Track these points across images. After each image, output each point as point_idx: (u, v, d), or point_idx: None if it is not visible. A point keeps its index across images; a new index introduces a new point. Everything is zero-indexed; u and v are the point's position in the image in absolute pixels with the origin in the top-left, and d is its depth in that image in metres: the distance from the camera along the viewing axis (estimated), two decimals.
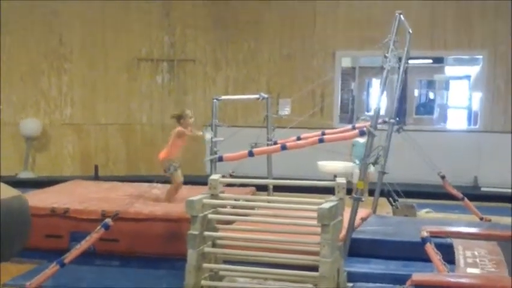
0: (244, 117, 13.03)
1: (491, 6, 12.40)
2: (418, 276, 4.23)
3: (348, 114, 15.42)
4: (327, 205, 5.26)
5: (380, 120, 7.53)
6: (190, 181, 10.76)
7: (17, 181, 12.15)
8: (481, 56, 12.79)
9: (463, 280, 4.23)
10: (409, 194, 9.77)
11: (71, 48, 13.22)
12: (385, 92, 11.88)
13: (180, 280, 5.53)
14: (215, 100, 7.22)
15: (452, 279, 4.25)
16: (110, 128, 13.48)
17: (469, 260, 4.97)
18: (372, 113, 8.92)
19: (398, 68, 7.39)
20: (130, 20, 13.39)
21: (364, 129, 6.45)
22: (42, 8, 13.04)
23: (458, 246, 5.37)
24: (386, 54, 6.43)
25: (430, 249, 5.28)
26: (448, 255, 5.21)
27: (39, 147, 13.25)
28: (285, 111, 12.49)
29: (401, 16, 6.74)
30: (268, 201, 6.63)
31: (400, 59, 7.24)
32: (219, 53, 13.62)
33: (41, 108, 13.22)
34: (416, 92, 17.69)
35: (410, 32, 7.50)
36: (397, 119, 7.92)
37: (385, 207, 8.95)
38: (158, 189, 8.07)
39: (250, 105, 12.62)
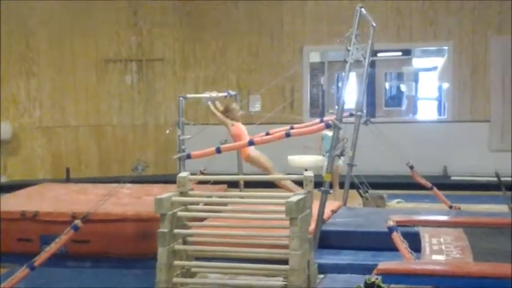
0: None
1: None
2: (383, 265, 4.31)
3: (319, 108, 15.49)
4: (294, 198, 5.32)
5: (347, 113, 7.63)
6: (162, 180, 10.81)
7: None
8: (446, 47, 12.96)
9: (427, 267, 4.31)
10: (379, 186, 9.89)
11: (38, 51, 13.13)
12: (355, 86, 12.09)
13: (153, 279, 5.55)
14: (181, 98, 7.22)
15: (416, 266, 4.33)
16: (80, 130, 13.42)
17: (435, 247, 5.05)
18: None
19: (364, 60, 7.46)
20: (97, 20, 13.33)
21: (330, 122, 6.52)
22: (8, 12, 12.92)
23: (425, 234, 5.45)
24: (349, 48, 6.49)
25: (397, 238, 5.36)
26: (415, 243, 5.29)
27: (10, 151, 13.15)
28: (256, 107, 12.55)
29: (363, 10, 6.81)
30: (239, 197, 6.68)
31: (366, 52, 7.32)
32: (188, 52, 13.63)
33: (10, 112, 13.11)
34: (385, 85, 17.81)
35: (374, 25, 7.59)
36: (364, 111, 8.00)
37: (356, 199, 9.03)
38: (128, 189, 8.06)
39: (221, 103, 12.62)
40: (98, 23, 13.34)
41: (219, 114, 7.77)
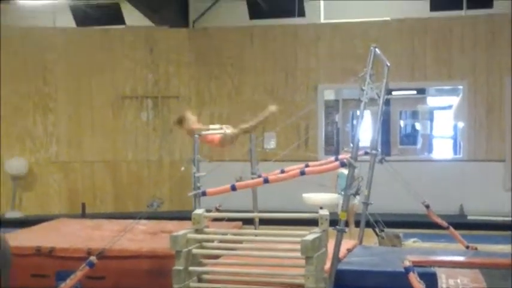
0: (230, 151, 13.08)
1: (469, 37, 12.63)
2: None
3: (334, 146, 15.51)
4: (310, 237, 5.30)
5: (362, 152, 7.62)
6: (177, 216, 10.80)
7: (4, 221, 12.13)
8: (461, 87, 12.98)
9: None
10: (395, 224, 9.82)
11: (56, 87, 13.30)
12: (369, 124, 12.11)
13: None
14: (196, 136, 7.26)
15: None
16: (96, 165, 13.50)
17: None
18: None
19: (379, 99, 7.48)
20: (114, 57, 13.51)
21: (345, 160, 6.51)
22: (25, 47, 13.14)
23: (442, 274, 5.41)
24: (363, 87, 6.53)
25: (413, 278, 5.31)
26: (432, 284, 5.24)
27: (25, 186, 13.24)
28: (271, 144, 12.58)
29: (377, 49, 6.85)
30: (254, 235, 6.66)
31: (380, 91, 7.34)
32: (203, 89, 13.75)
33: (26, 147, 13.24)
34: (400, 123, 17.83)
35: (388, 64, 7.62)
36: (379, 150, 7.99)
37: (371, 237, 8.97)
38: (143, 225, 8.05)
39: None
40: (115, 60, 13.53)
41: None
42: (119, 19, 15.86)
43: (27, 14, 15.41)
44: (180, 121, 7.90)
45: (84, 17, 16.15)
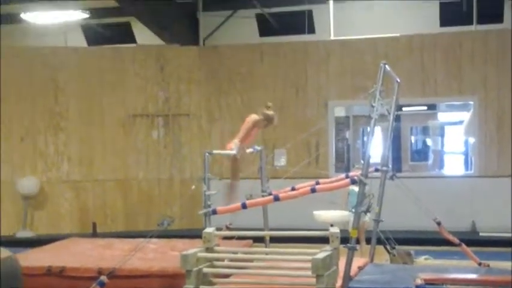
0: (241, 169, 13.06)
1: (480, 52, 12.60)
2: None
3: (344, 163, 15.47)
4: (321, 255, 5.28)
5: (373, 168, 7.59)
6: (187, 234, 10.78)
7: (15, 240, 12.15)
8: (471, 102, 12.94)
9: None
10: (406, 242, 9.79)
11: (67, 106, 13.38)
12: (380, 140, 12.08)
13: None
14: (207, 154, 7.26)
15: None
16: (107, 184, 13.53)
17: None
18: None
19: (389, 115, 7.47)
20: (125, 76, 13.58)
21: (356, 177, 6.50)
22: (39, 68, 13.26)
23: None
24: (373, 104, 6.53)
25: None
26: None
27: (37, 206, 13.27)
28: (281, 161, 12.56)
29: (387, 66, 6.86)
30: (265, 253, 6.64)
31: (391, 107, 7.33)
32: (213, 107, 13.78)
33: (38, 166, 13.29)
34: (411, 139, 17.78)
35: (398, 80, 7.62)
36: (390, 166, 7.97)
37: (383, 255, 8.92)
38: (153, 244, 8.04)
39: (246, 157, 12.67)
40: (126, 79, 13.60)
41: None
42: (129, 38, 15.98)
43: (39, 34, 15.55)
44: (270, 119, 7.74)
45: (95, 36, 16.28)
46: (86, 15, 14.50)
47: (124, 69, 13.64)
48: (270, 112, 7.70)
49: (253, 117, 7.71)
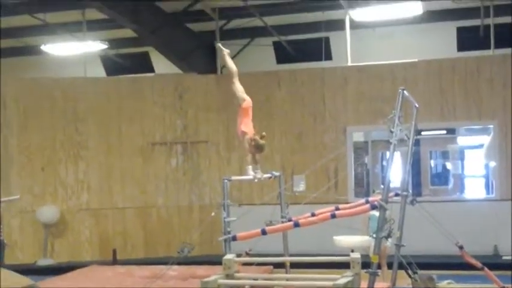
0: (259, 195, 13.08)
1: (498, 76, 12.57)
2: None
3: (363, 187, 15.41)
4: (342, 281, 5.27)
5: (393, 193, 7.56)
6: (207, 261, 10.79)
7: (36, 268, 12.22)
8: (491, 126, 12.87)
9: None
10: (428, 266, 9.66)
11: (87, 135, 13.50)
12: (399, 164, 12.04)
13: None
14: (226, 181, 7.28)
15: None
16: (126, 212, 13.59)
17: None
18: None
19: (408, 140, 7.45)
20: (144, 105, 13.70)
21: (376, 203, 6.47)
22: (59, 99, 13.44)
23: None
24: (392, 130, 6.53)
25: None
26: None
27: (57, 234, 13.35)
28: (300, 187, 12.55)
29: (405, 92, 6.87)
30: (285, 279, 6.61)
31: (410, 132, 7.32)
32: (232, 133, 13.79)
33: (58, 195, 13.39)
34: (431, 163, 17.70)
35: (417, 106, 7.61)
36: (410, 191, 7.92)
37: (404, 279, 8.82)
38: (173, 271, 8.05)
39: (265, 183, 12.67)
40: (144, 107, 13.71)
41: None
42: (148, 67, 16.17)
43: (59, 65, 15.78)
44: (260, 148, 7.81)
45: (114, 67, 16.50)
46: (105, 46, 14.69)
47: (142, 98, 13.76)
48: (262, 142, 7.75)
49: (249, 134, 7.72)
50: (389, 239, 8.04)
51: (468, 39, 13.97)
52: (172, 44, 14.45)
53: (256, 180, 7.81)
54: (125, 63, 16.52)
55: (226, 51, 8.25)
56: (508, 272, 10.08)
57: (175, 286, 7.60)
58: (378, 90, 12.95)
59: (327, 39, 14.69)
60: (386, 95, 12.26)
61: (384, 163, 17.00)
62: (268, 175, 8.34)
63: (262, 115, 13.74)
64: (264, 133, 7.77)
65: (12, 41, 15.60)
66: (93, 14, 13.39)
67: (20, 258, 12.99)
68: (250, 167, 7.71)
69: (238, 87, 7.92)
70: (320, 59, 14.42)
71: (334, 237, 9.13)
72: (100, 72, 16.39)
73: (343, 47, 13.60)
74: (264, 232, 6.85)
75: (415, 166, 15.14)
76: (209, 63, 15.18)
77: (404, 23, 13.98)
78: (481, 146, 15.07)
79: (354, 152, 13.91)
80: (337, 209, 7.61)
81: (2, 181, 12.99)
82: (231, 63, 8.17)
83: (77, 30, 14.26)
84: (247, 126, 7.73)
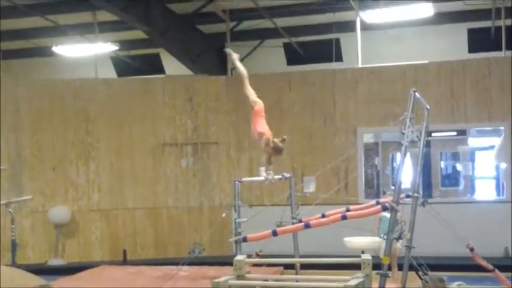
0: (269, 196, 13.09)
1: (509, 78, 12.52)
2: None
3: (374, 189, 15.38)
4: (353, 282, 5.27)
5: (403, 195, 7.55)
6: (217, 261, 10.81)
7: (47, 268, 12.28)
8: (502, 127, 12.83)
9: None
10: (439, 268, 9.64)
11: (98, 136, 13.56)
12: (410, 166, 12.02)
13: None
14: (237, 182, 7.31)
15: None
16: (137, 212, 13.63)
17: None
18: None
19: (419, 141, 7.45)
20: (154, 106, 13.73)
21: (387, 204, 6.48)
22: (70, 100, 13.51)
23: None
24: (403, 131, 6.53)
25: None
26: None
27: (68, 234, 13.40)
28: (310, 188, 12.55)
29: (417, 93, 6.87)
30: (295, 280, 6.62)
31: (420, 133, 7.31)
32: (242, 135, 13.83)
33: (69, 195, 13.45)
34: (441, 164, 17.66)
35: (428, 107, 7.60)
36: (421, 192, 7.91)
37: (415, 281, 8.81)
38: (184, 272, 8.07)
39: (275, 184, 12.66)
40: (155, 109, 13.75)
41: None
42: (158, 69, 16.24)
43: (70, 67, 15.87)
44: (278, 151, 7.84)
45: (124, 68, 16.58)
46: (116, 48, 14.76)
47: (153, 99, 13.80)
48: (281, 145, 7.79)
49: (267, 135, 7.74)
50: (400, 241, 8.03)
51: (479, 41, 13.95)
52: (183, 45, 14.50)
53: (266, 182, 7.84)
54: (135, 65, 16.59)
55: (235, 56, 8.29)
56: None
57: (186, 286, 7.62)
58: (388, 91, 12.93)
59: (338, 41, 14.71)
60: (396, 97, 12.25)
61: (394, 164, 16.99)
62: (279, 176, 8.37)
63: (273, 116, 13.71)
64: (285, 136, 7.80)
65: (24, 43, 15.71)
66: (104, 15, 13.47)
67: (31, 258, 13.06)
68: (263, 168, 7.74)
69: (250, 91, 7.94)
70: (331, 61, 14.43)
71: (345, 239, 9.14)
72: (111, 73, 16.47)
73: (353, 49, 13.60)
74: (274, 233, 6.87)
75: (426, 167, 15.09)
76: (219, 65, 15.22)
77: (415, 24, 13.99)
78: (491, 147, 15.01)
79: (364, 154, 13.87)
80: (348, 210, 7.61)
81: (14, 182, 13.08)
82: (241, 67, 8.20)
83: (88, 31, 14.35)
84: (263, 127, 7.76)
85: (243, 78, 8.05)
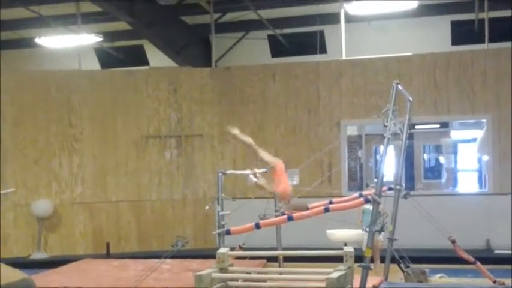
0: (253, 189, 13.06)
1: (492, 70, 12.60)
2: None
3: (357, 181, 15.44)
4: (335, 274, 5.29)
5: (386, 187, 7.60)
6: (200, 254, 10.81)
7: (30, 262, 12.21)
8: (484, 120, 12.91)
9: None
10: (421, 260, 9.73)
11: (81, 128, 13.47)
12: (393, 158, 12.07)
13: None
14: (220, 174, 7.31)
15: None
16: (120, 205, 13.58)
17: None
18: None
19: (402, 134, 7.48)
20: (138, 98, 13.66)
21: (369, 197, 6.51)
22: (53, 91, 13.41)
23: None
24: (386, 124, 6.56)
25: None
26: None
27: (51, 227, 13.33)
28: (294, 181, 12.54)
29: (399, 86, 6.90)
30: (278, 273, 6.64)
31: (403, 126, 7.35)
32: (226, 127, 13.79)
33: (52, 188, 13.36)
34: (424, 157, 17.75)
35: (411, 99, 7.65)
36: (403, 185, 7.96)
37: (397, 273, 8.89)
38: (167, 265, 8.07)
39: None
40: (139, 101, 13.67)
41: (264, 185, 7.90)
42: (142, 60, 16.15)
43: (53, 58, 15.75)
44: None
45: (108, 59, 16.48)
46: (99, 39, 14.68)
47: (137, 91, 13.72)
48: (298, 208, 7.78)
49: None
50: (382, 233, 8.11)
51: (462, 33, 14.00)
52: (167, 37, 14.44)
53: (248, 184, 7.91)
54: (119, 56, 16.50)
55: (235, 131, 8.28)
56: (500, 267, 10.12)
57: (169, 279, 7.62)
58: (372, 84, 12.96)
59: (322, 33, 14.70)
60: (380, 89, 12.29)
61: (378, 157, 17.06)
62: (264, 169, 8.38)
63: (257, 108, 13.76)
64: (309, 205, 7.68)
65: (7, 34, 15.57)
66: (88, 6, 13.38)
67: (14, 252, 12.97)
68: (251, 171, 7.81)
69: (264, 154, 7.94)
70: (315, 53, 14.43)
71: (328, 231, 9.18)
72: (94, 65, 16.36)
73: (337, 41, 13.61)
74: (257, 226, 6.89)
75: (408, 160, 15.16)
76: (204, 57, 15.18)
77: (399, 16, 14.03)
78: (474, 140, 15.10)
79: (348, 146, 13.92)
80: (331, 202, 7.66)
81: None
82: (245, 138, 8.22)
83: (71, 22, 14.25)
84: (286, 183, 7.97)
85: (252, 147, 8.05)
